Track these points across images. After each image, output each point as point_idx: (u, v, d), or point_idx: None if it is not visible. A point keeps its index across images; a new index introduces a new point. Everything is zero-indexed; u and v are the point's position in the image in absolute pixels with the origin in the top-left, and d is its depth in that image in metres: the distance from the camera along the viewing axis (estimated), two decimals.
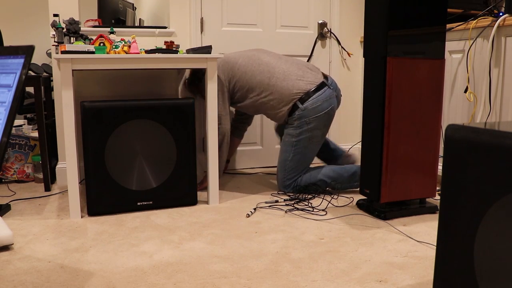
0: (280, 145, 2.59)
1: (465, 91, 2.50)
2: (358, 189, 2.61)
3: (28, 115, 3.63)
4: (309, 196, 2.47)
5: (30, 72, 3.38)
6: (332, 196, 2.50)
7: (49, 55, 4.00)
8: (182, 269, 1.58)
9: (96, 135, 2.12)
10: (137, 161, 2.20)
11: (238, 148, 3.20)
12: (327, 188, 2.55)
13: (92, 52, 2.07)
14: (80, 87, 2.78)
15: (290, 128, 2.51)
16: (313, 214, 2.19)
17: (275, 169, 3.15)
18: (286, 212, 2.22)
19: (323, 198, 2.45)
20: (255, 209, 2.27)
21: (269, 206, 2.32)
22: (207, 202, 2.37)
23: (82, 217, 2.15)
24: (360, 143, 3.45)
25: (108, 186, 2.16)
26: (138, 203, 2.21)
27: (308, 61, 3.24)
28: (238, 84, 2.53)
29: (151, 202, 2.23)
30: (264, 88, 2.50)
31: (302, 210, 2.25)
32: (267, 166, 3.27)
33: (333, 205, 2.34)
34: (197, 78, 2.71)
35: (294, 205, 2.33)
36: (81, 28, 2.59)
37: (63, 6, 2.65)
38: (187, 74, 2.87)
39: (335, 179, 2.54)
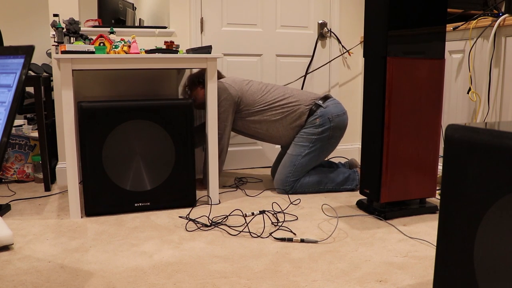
0: (293, 143, 2.56)
1: (468, 92, 2.50)
2: (357, 189, 2.62)
3: (28, 115, 3.64)
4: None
5: (30, 72, 3.38)
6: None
7: (49, 55, 4.00)
8: (182, 269, 1.58)
9: (93, 136, 2.12)
10: (135, 162, 2.20)
11: (238, 148, 3.20)
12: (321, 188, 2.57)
13: (92, 52, 2.07)
14: (80, 87, 2.78)
15: (310, 127, 2.51)
16: (312, 214, 2.19)
17: None
18: (277, 226, 2.22)
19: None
20: (253, 212, 2.27)
21: (273, 214, 2.32)
22: (207, 202, 2.37)
23: (82, 217, 2.15)
24: (360, 143, 3.45)
25: (105, 187, 2.15)
26: (135, 204, 2.21)
27: (310, 62, 3.25)
28: (250, 99, 2.54)
29: (148, 204, 2.23)
30: (279, 97, 2.55)
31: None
32: (267, 166, 3.27)
33: (330, 206, 2.34)
34: (198, 81, 2.68)
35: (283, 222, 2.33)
36: (81, 28, 2.59)
37: (63, 6, 2.65)
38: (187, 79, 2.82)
39: (331, 182, 2.57)
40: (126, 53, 2.20)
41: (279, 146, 3.20)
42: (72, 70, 2.04)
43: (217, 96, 2.47)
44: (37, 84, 2.55)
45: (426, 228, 1.98)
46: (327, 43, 3.28)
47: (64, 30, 2.28)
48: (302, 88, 3.25)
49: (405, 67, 2.02)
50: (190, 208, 2.28)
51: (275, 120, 2.53)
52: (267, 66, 3.17)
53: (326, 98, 2.57)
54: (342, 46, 3.31)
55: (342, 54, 3.31)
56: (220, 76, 2.72)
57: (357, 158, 3.43)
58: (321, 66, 3.28)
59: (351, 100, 3.42)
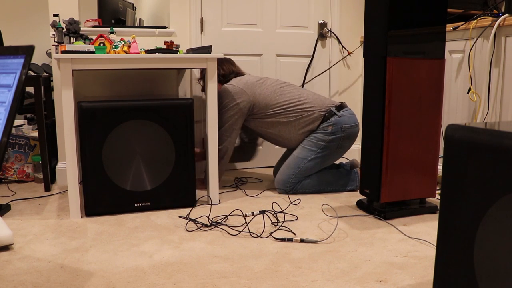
0: (300, 145, 2.53)
1: (468, 92, 2.50)
2: (358, 190, 2.62)
3: (28, 115, 3.63)
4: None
5: (30, 72, 3.38)
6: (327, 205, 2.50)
7: (49, 55, 4.00)
8: (182, 269, 1.58)
9: (93, 136, 2.12)
10: (135, 162, 2.20)
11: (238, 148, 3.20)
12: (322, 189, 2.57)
13: (92, 52, 2.07)
14: (80, 87, 2.78)
15: (321, 133, 2.48)
16: (312, 214, 2.19)
17: None
18: (280, 225, 2.22)
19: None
20: (253, 212, 2.27)
21: (273, 214, 2.32)
22: (207, 202, 2.37)
23: (82, 217, 2.15)
24: (360, 143, 3.45)
25: (105, 187, 2.15)
26: (135, 204, 2.21)
27: (310, 62, 3.25)
28: (263, 103, 2.50)
29: (148, 204, 2.23)
30: (295, 101, 2.52)
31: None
32: (267, 166, 3.27)
33: (330, 206, 2.34)
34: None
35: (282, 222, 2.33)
36: (81, 28, 2.59)
37: (63, 6, 2.65)
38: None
39: (331, 183, 2.56)
40: (126, 53, 2.20)
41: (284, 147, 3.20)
42: (72, 70, 2.04)
43: (229, 100, 2.46)
44: (37, 84, 2.55)
45: (426, 228, 1.98)
46: (327, 43, 3.28)
47: (64, 30, 2.28)
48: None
49: (405, 67, 2.02)
50: (190, 208, 2.28)
51: (288, 122, 2.50)
52: (267, 66, 3.17)
53: (341, 107, 2.54)
54: (342, 46, 3.31)
55: (344, 58, 3.31)
56: (238, 72, 2.67)
57: (357, 158, 3.43)
58: (321, 73, 3.28)
59: (351, 100, 3.42)
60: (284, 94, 2.52)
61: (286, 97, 2.51)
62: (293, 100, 2.51)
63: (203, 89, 2.75)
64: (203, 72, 2.69)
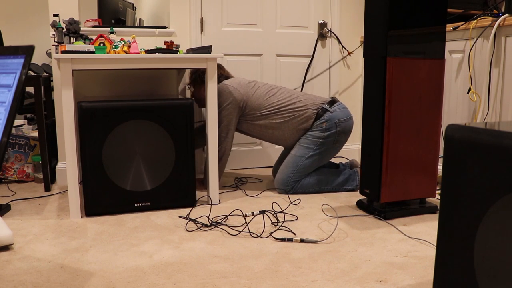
0: (297, 144, 2.55)
1: (468, 92, 2.50)
2: (357, 189, 2.62)
3: (28, 115, 3.63)
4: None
5: (30, 72, 3.38)
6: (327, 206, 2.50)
7: (49, 55, 4.00)
8: (182, 269, 1.58)
9: (93, 136, 2.12)
10: (135, 162, 2.20)
11: (238, 148, 3.20)
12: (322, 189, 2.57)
13: (92, 52, 2.07)
14: (80, 87, 2.78)
15: (316, 130, 2.50)
16: (312, 214, 2.19)
17: None
18: (280, 224, 2.22)
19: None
20: (253, 212, 2.27)
21: (273, 214, 2.32)
22: (207, 202, 2.37)
23: (82, 217, 2.15)
24: (360, 143, 3.45)
25: (105, 187, 2.15)
26: (135, 204, 2.21)
27: (310, 62, 3.25)
28: (255, 103, 2.52)
29: (148, 203, 2.22)
30: (286, 101, 2.54)
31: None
32: (267, 166, 3.27)
33: (330, 206, 2.34)
34: (202, 80, 2.66)
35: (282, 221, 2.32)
36: (81, 28, 2.59)
37: (63, 6, 2.65)
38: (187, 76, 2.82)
39: (331, 183, 2.57)
40: (126, 53, 2.20)
41: (279, 146, 3.20)
42: (72, 70, 2.04)
43: (222, 100, 2.47)
44: (37, 84, 2.55)
45: (426, 228, 1.98)
46: (327, 43, 3.28)
47: (64, 30, 2.28)
48: (302, 89, 3.25)
49: (405, 67, 2.02)
50: (190, 208, 2.28)
51: (281, 123, 2.52)
52: (267, 66, 3.17)
53: (333, 102, 2.55)
54: (342, 46, 3.31)
55: (344, 57, 3.31)
56: (227, 75, 2.69)
57: (357, 158, 3.43)
58: (321, 72, 3.28)
59: (351, 100, 3.42)
60: (276, 95, 2.55)
61: (278, 98, 2.54)
62: (284, 100, 2.53)
63: (193, 95, 2.73)
64: (192, 76, 2.68)
